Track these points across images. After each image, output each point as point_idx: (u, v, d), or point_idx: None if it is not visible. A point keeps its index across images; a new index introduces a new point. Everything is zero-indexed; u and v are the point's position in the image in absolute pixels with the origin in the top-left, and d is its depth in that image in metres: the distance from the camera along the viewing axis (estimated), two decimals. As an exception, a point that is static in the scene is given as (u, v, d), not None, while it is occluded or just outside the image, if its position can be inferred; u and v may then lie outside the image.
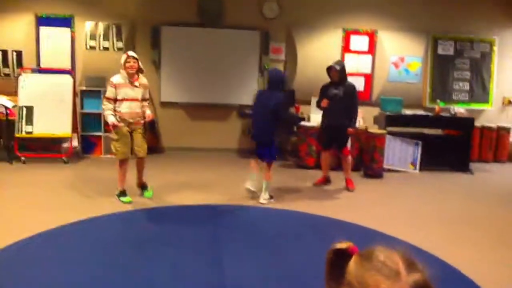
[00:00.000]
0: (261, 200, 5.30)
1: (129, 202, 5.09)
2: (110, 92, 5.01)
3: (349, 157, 6.18)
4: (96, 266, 3.38)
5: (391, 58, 8.43)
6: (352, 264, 1.00)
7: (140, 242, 3.92)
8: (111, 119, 4.94)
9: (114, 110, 5.03)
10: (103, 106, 5.07)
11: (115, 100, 5.01)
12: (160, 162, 7.26)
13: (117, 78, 5.05)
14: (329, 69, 5.93)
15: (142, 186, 5.47)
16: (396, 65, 8.45)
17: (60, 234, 4.05)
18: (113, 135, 5.08)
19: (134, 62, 5.03)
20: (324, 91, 6.04)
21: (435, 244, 4.10)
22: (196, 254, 3.68)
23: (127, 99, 5.04)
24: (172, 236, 4.08)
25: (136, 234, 4.13)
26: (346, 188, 6.09)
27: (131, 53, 5.12)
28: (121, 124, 5.01)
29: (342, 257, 1.05)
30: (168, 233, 4.17)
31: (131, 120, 5.09)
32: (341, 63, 6.01)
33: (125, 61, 5.02)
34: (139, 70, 5.14)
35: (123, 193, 5.18)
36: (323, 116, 6.12)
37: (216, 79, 8.29)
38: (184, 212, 4.88)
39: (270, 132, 5.35)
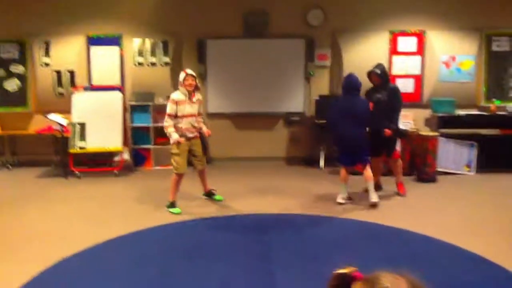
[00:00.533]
0: (374, 199, 5.39)
1: (179, 213, 5.18)
2: (171, 109, 5.26)
3: (399, 161, 5.98)
4: (147, 278, 3.41)
5: (441, 58, 8.12)
6: None
7: (190, 253, 3.93)
8: (174, 137, 5.21)
9: (174, 126, 5.26)
10: (166, 124, 5.31)
11: (175, 116, 5.24)
12: (209, 173, 7.31)
13: (177, 95, 5.31)
14: (370, 74, 5.81)
15: (210, 193, 5.80)
16: (447, 64, 8.13)
17: (112, 247, 4.13)
18: (174, 150, 5.30)
19: (192, 80, 5.29)
20: (368, 97, 5.91)
21: (494, 251, 3.86)
22: (246, 267, 3.63)
23: (186, 116, 5.31)
24: (222, 248, 4.06)
25: (187, 246, 4.15)
26: (397, 193, 5.89)
27: (189, 71, 5.38)
28: (183, 140, 5.24)
29: (345, 283, 0.98)
30: (219, 244, 4.15)
31: (190, 135, 5.39)
32: (381, 66, 5.87)
33: (184, 79, 5.27)
34: (196, 87, 5.38)
35: (173, 205, 5.29)
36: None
37: (262, 88, 8.30)
38: (236, 222, 4.86)
39: (363, 137, 5.48)
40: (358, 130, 5.39)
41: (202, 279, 3.39)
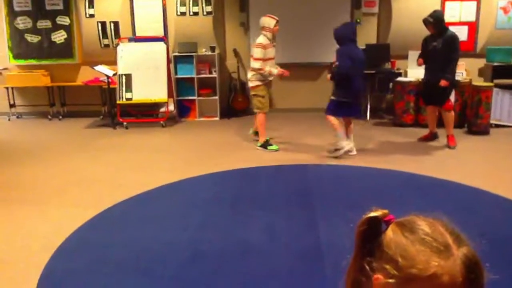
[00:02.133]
0: (353, 152, 5.35)
1: (277, 150, 5.64)
2: (261, 53, 5.49)
3: (451, 113, 5.76)
4: (192, 225, 3.47)
5: (499, 3, 7.61)
6: (392, 236, 0.83)
7: (235, 202, 3.97)
8: (275, 71, 5.62)
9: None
10: (258, 66, 5.50)
11: (264, 60, 5.51)
12: (251, 124, 7.30)
13: (264, 39, 5.54)
14: (424, 22, 5.52)
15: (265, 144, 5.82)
16: (505, 10, 7.62)
17: (159, 194, 4.23)
18: (260, 92, 5.63)
19: (278, 25, 5.63)
20: (424, 45, 5.68)
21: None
22: (290, 215, 3.64)
23: (271, 58, 5.63)
24: (267, 197, 4.08)
25: (231, 195, 4.19)
26: (447, 146, 5.71)
27: (276, 17, 5.64)
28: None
29: (377, 228, 0.88)
30: (262, 193, 4.18)
31: (271, 78, 5.73)
32: (436, 13, 5.55)
33: (275, 25, 5.57)
34: None
35: (268, 142, 5.73)
36: (425, 70, 5.76)
37: (307, 37, 8.07)
38: (278, 172, 4.86)
39: (365, 88, 5.46)
40: (363, 80, 5.34)
41: (246, 225, 3.43)
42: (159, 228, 3.42)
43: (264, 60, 5.49)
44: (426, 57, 5.70)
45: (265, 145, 5.71)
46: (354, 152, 5.31)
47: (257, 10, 8.02)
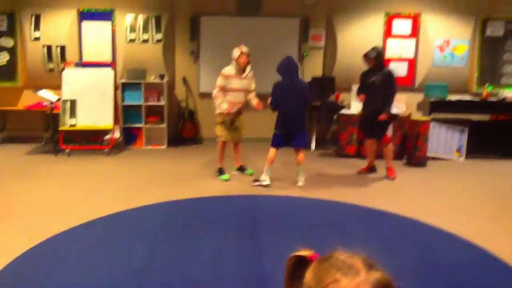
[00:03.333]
0: (300, 183, 5.48)
1: (227, 180, 5.70)
2: (221, 81, 5.60)
3: (390, 145, 6.01)
4: (137, 256, 3.42)
5: (435, 42, 8.10)
6: (311, 268, 0.95)
7: (181, 233, 3.94)
8: (223, 107, 5.59)
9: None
10: (216, 93, 5.63)
11: (224, 89, 5.57)
12: (199, 152, 7.31)
13: (228, 70, 5.64)
14: (365, 57, 5.81)
15: (242, 168, 6.06)
16: (441, 48, 8.11)
17: (101, 224, 4.14)
18: (219, 119, 5.71)
19: (246, 58, 5.63)
20: (363, 79, 5.93)
21: (479, 234, 3.93)
22: (235, 245, 3.66)
23: (233, 90, 5.64)
24: (213, 227, 4.08)
25: (177, 225, 4.15)
26: (387, 177, 5.93)
27: (244, 48, 5.66)
28: (228, 111, 5.64)
29: (303, 264, 0.99)
30: (209, 223, 4.18)
31: (234, 109, 5.69)
32: (377, 49, 5.85)
33: (239, 56, 5.58)
34: (248, 64, 5.71)
35: (221, 171, 5.82)
36: (363, 104, 6.00)
37: (255, 68, 8.15)
38: (225, 202, 4.87)
39: (304, 119, 5.58)
40: (300, 111, 5.45)
41: (192, 256, 3.42)
42: (101, 260, 3.34)
43: (224, 89, 5.58)
44: (364, 91, 5.95)
45: (218, 172, 5.80)
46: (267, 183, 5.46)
47: (208, 40, 8.13)
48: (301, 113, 5.45)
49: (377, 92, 5.71)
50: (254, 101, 5.80)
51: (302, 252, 1.02)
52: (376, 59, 5.75)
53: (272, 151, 5.46)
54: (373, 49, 5.84)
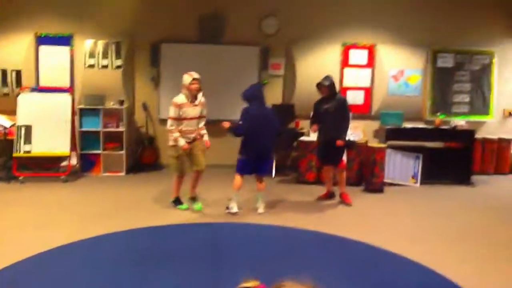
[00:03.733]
0: (260, 210, 5.50)
1: (186, 209, 5.54)
2: (174, 112, 5.34)
3: (344, 172, 6.16)
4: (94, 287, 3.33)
5: (390, 72, 8.41)
6: None
7: (139, 262, 3.87)
8: (181, 143, 5.32)
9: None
10: (170, 127, 5.38)
11: (178, 119, 5.33)
12: (159, 179, 7.23)
13: (180, 98, 5.37)
14: (318, 86, 5.99)
15: (193, 198, 5.75)
16: (395, 78, 8.42)
17: (56, 255, 4.01)
18: (172, 153, 5.44)
19: (197, 83, 5.42)
20: (316, 107, 6.12)
21: (436, 260, 4.04)
22: (195, 274, 3.61)
23: (188, 118, 5.40)
24: (171, 256, 4.02)
25: (134, 254, 4.07)
26: (343, 203, 6.04)
27: (196, 75, 5.48)
28: (187, 146, 5.38)
29: None
30: (167, 252, 4.11)
31: (191, 137, 5.47)
32: (329, 78, 6.02)
33: (191, 82, 5.37)
34: (200, 90, 5.52)
35: (178, 201, 5.64)
36: (318, 131, 6.15)
37: (215, 95, 8.25)
38: (182, 230, 4.82)
39: (272, 146, 5.63)
40: (269, 138, 5.49)
41: (151, 286, 3.35)
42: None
43: (179, 119, 5.37)
44: (318, 120, 6.10)
45: (175, 202, 5.64)
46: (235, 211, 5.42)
47: (168, 65, 8.14)
48: (270, 140, 5.50)
49: (331, 120, 5.88)
50: (205, 137, 5.69)
51: (248, 283, 1.03)
52: (329, 88, 5.93)
53: (238, 177, 5.46)
54: (326, 78, 6.02)
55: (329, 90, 5.94)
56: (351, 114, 6.26)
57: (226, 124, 5.57)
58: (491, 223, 5.41)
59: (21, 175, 6.82)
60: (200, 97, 5.56)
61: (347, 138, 6.06)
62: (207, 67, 8.21)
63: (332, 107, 5.90)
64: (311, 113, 6.36)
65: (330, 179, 6.29)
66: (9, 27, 7.65)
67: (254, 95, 5.45)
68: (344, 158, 6.26)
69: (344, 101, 6.03)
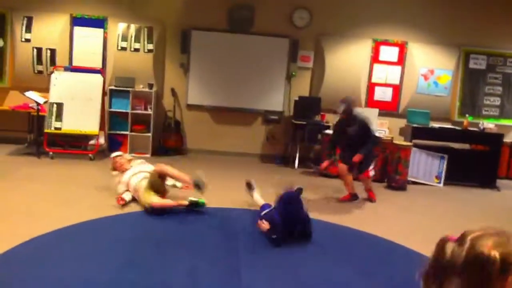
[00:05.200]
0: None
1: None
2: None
3: (369, 180, 6.10)
4: (113, 264, 3.41)
5: (420, 70, 8.32)
6: (452, 249, 1.11)
7: (159, 242, 3.95)
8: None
9: None
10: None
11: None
12: (184, 163, 7.33)
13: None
14: (339, 110, 5.75)
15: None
16: (425, 77, 8.33)
17: (80, 230, 4.12)
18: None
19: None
20: (338, 128, 5.94)
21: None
22: (213, 259, 3.67)
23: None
24: (191, 239, 4.10)
25: (156, 235, 4.16)
26: (368, 199, 6.01)
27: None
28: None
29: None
30: (187, 235, 4.19)
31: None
32: (345, 102, 5.68)
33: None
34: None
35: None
36: (342, 155, 5.92)
37: (243, 84, 8.34)
38: (204, 214, 4.89)
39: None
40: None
41: (170, 267, 3.43)
42: (78, 267, 3.33)
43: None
44: (340, 141, 5.89)
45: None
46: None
47: (198, 53, 8.23)
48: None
49: (355, 143, 5.62)
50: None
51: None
52: (347, 112, 5.63)
53: None
54: (342, 101, 5.69)
55: (347, 114, 5.65)
56: (375, 135, 5.91)
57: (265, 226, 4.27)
58: (511, 229, 5.33)
59: (51, 150, 7.01)
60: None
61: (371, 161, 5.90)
62: (236, 56, 8.28)
63: (355, 129, 5.61)
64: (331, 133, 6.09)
65: (351, 181, 5.89)
66: (45, 7, 7.84)
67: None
68: (371, 168, 6.15)
69: (366, 122, 5.63)
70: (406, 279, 3.53)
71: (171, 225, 4.48)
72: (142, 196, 4.79)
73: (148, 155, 7.74)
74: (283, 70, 8.31)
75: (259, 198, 5.00)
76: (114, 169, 5.45)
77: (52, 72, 7.37)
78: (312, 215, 5.10)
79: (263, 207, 4.61)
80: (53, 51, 7.84)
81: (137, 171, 5.15)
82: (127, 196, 4.98)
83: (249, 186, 5.21)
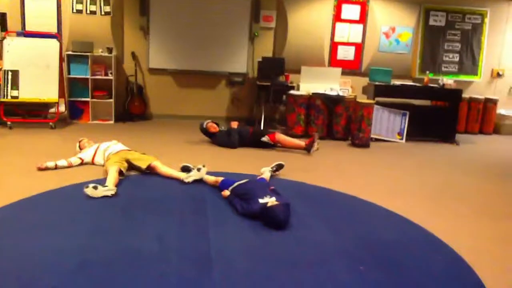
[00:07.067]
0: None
1: None
2: None
3: (280, 135, 6.52)
4: (81, 232, 3.39)
5: (382, 28, 8.38)
6: None
7: (126, 208, 3.93)
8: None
9: None
10: None
11: None
12: (147, 129, 7.25)
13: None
14: None
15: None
16: (387, 35, 8.40)
17: (45, 200, 4.06)
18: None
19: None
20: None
21: (417, 214, 4.18)
22: (182, 223, 3.69)
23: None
24: (159, 205, 4.09)
25: (122, 201, 4.13)
26: (307, 147, 6.26)
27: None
28: None
29: None
30: (154, 201, 4.18)
31: None
32: None
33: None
34: None
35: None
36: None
37: (206, 46, 8.20)
38: (170, 179, 4.88)
39: None
40: None
41: (137, 232, 3.43)
42: (44, 236, 3.29)
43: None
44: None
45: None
46: None
47: (158, 15, 8.00)
48: None
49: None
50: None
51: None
52: None
53: None
54: None
55: None
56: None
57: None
58: (471, 181, 5.56)
59: (9, 120, 6.78)
60: None
61: None
62: (197, 17, 8.10)
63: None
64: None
65: (290, 140, 6.52)
66: (-7, -32, 7.40)
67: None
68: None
69: None
70: (368, 232, 3.67)
71: (137, 191, 4.45)
72: (111, 159, 4.83)
73: (111, 122, 7.60)
74: (246, 31, 8.20)
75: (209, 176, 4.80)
76: (80, 148, 5.42)
77: (4, 38, 7.03)
78: (280, 175, 5.19)
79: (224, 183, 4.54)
80: (3, 15, 7.46)
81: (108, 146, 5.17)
82: (50, 164, 4.92)
83: (186, 170, 4.98)
